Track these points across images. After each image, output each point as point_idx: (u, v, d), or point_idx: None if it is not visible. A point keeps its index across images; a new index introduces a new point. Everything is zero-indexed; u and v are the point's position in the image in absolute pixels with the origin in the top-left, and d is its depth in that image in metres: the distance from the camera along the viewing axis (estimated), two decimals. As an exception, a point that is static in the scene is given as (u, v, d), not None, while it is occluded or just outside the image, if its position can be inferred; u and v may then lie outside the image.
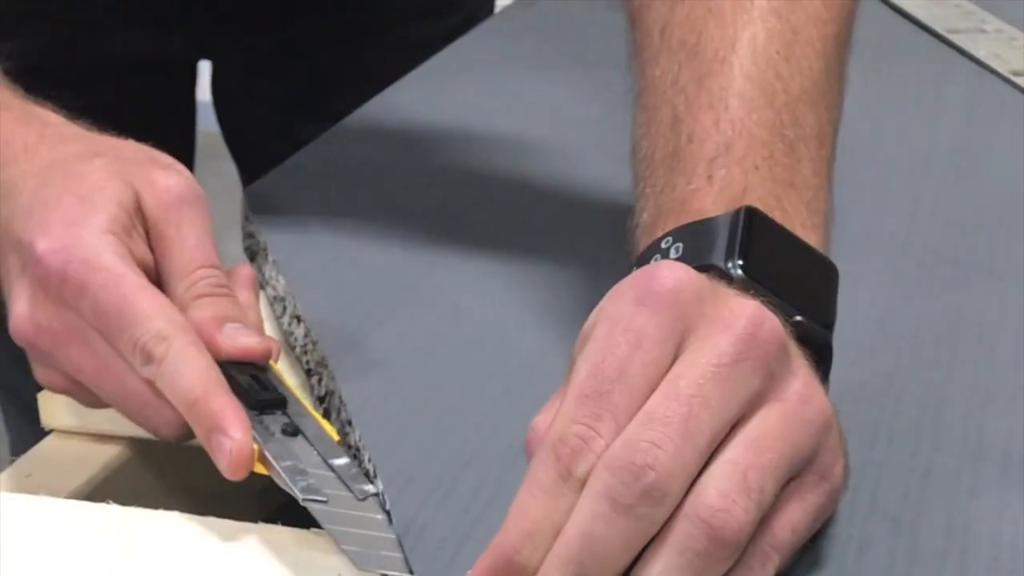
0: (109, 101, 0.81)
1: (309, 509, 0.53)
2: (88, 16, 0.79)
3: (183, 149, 1.04)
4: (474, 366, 0.63)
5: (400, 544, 0.51)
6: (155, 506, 0.56)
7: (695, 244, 0.51)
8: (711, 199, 0.54)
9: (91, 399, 0.60)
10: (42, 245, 0.56)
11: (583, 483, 0.43)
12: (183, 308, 0.57)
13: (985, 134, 0.90)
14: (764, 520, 0.45)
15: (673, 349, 0.45)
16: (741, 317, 0.46)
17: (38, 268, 0.56)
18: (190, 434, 0.55)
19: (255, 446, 0.54)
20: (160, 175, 0.60)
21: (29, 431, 0.79)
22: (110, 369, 0.56)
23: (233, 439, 0.52)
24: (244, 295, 0.61)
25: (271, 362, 0.58)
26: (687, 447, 0.43)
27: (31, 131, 0.62)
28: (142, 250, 0.58)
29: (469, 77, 1.02)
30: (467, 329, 0.67)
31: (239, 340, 0.57)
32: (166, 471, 0.65)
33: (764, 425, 0.45)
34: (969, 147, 0.88)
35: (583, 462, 0.43)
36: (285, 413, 0.56)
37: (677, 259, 0.51)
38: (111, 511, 0.56)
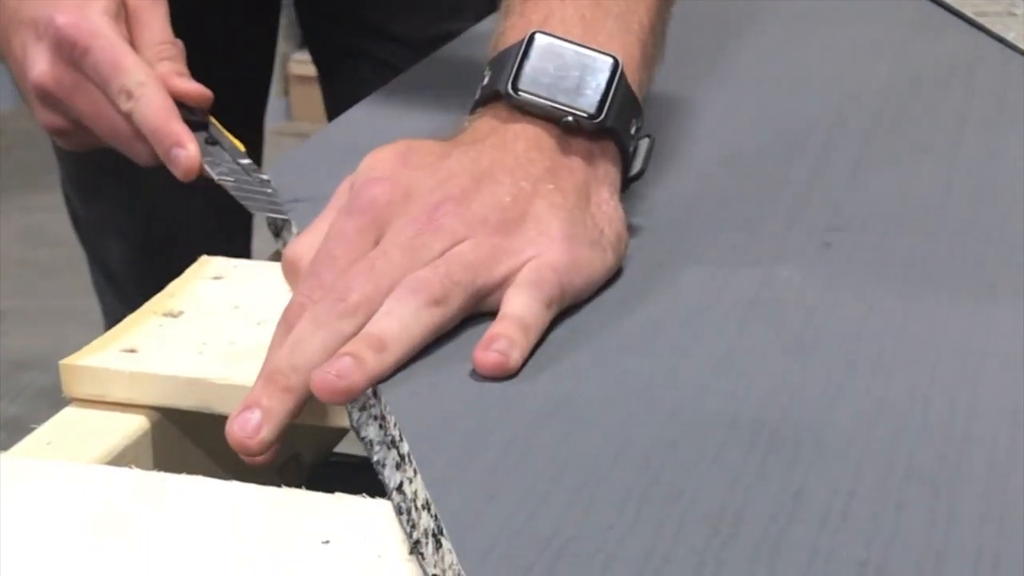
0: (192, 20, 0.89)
1: (221, 184, 0.76)
2: None
3: (261, 69, 1.23)
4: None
5: (281, 204, 0.75)
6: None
7: (496, 72, 0.68)
8: (518, 31, 0.69)
9: (79, 139, 0.82)
10: (60, 19, 0.77)
11: None
12: (151, 66, 0.79)
13: (1015, 115, 0.89)
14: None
15: (371, 241, 0.62)
16: (425, 208, 0.62)
17: (57, 35, 0.77)
18: (157, 159, 0.78)
19: None
20: None
21: (116, 302, 1.15)
22: (102, 110, 0.78)
23: (188, 150, 0.76)
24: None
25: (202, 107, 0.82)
26: (369, 284, 0.60)
27: None
28: (124, 30, 0.79)
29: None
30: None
31: (189, 84, 0.79)
32: (186, 441, 0.64)
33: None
34: (999, 128, 0.87)
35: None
36: (208, 131, 0.80)
37: (485, 85, 0.68)
38: (132, 475, 0.56)
